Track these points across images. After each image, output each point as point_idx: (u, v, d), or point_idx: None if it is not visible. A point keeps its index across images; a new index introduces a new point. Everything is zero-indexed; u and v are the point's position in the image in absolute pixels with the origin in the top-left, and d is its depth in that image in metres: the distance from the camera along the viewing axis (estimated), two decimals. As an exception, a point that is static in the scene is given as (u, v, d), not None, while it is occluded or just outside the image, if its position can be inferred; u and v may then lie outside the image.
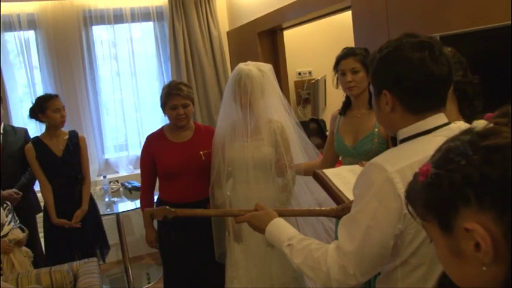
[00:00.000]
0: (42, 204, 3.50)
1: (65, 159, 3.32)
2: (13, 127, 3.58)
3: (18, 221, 2.92)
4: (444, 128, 1.23)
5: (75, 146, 3.39)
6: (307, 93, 5.05)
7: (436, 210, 0.68)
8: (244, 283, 2.67)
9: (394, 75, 1.22)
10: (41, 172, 3.29)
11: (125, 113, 4.79)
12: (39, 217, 3.58)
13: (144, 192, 2.97)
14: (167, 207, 1.82)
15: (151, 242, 2.94)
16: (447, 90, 1.26)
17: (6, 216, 2.81)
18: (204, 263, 2.84)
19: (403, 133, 1.26)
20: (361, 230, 1.22)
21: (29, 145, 3.31)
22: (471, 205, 0.62)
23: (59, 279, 2.59)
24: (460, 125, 1.26)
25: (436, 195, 0.67)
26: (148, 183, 2.94)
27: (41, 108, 3.24)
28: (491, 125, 0.65)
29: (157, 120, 4.45)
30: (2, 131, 3.43)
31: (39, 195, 3.56)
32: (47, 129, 3.35)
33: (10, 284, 2.45)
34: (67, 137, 3.39)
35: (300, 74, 5.12)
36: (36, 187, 3.51)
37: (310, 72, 5.14)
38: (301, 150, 2.74)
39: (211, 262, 2.84)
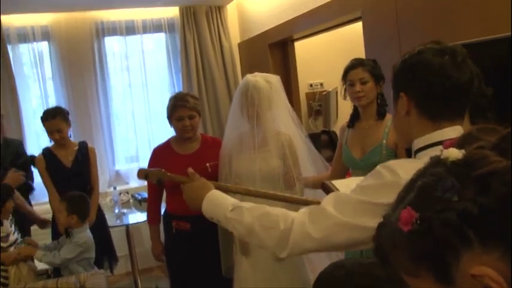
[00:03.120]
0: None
1: (74, 170, 3.34)
2: (6, 139, 3.56)
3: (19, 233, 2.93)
4: None
5: (85, 157, 3.41)
6: (318, 105, 5.02)
7: (430, 260, 0.57)
8: (251, 298, 2.63)
9: (412, 77, 1.20)
10: (50, 183, 3.32)
11: (136, 125, 4.81)
12: (34, 229, 3.58)
13: (151, 204, 2.95)
14: (162, 169, 1.81)
15: (158, 255, 2.92)
16: (466, 100, 1.21)
17: (10, 226, 2.82)
18: (211, 277, 2.79)
19: (418, 143, 1.21)
20: (350, 207, 1.20)
21: (40, 156, 3.35)
22: (473, 246, 0.53)
23: (64, 291, 2.57)
24: None
25: (427, 243, 0.56)
26: (156, 195, 2.93)
27: (43, 126, 3.31)
28: (467, 151, 0.58)
29: (168, 131, 4.41)
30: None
31: (36, 207, 3.58)
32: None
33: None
34: (77, 148, 3.42)
35: (311, 85, 5.10)
36: (33, 199, 3.53)
37: (321, 84, 5.12)
38: (309, 163, 2.69)
39: (218, 276, 2.79)
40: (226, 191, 1.64)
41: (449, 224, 0.54)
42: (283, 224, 1.27)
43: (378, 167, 1.21)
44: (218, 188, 1.57)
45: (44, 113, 3.30)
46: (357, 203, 1.20)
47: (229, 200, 1.45)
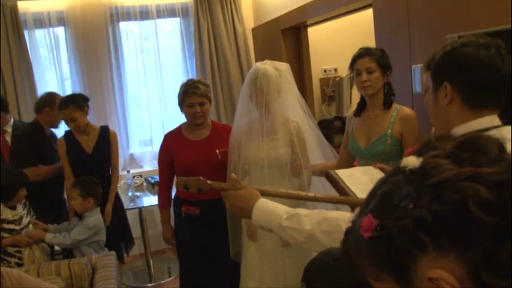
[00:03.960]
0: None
1: (94, 157, 3.33)
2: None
3: (33, 215, 3.01)
4: (499, 129, 1.22)
5: (105, 143, 3.38)
6: (332, 91, 4.99)
7: (390, 265, 0.60)
8: (258, 282, 2.68)
9: (459, 67, 1.24)
10: (68, 167, 3.31)
11: (150, 109, 4.87)
12: None
13: (162, 188, 3.01)
14: (201, 178, 1.67)
15: (168, 239, 2.99)
16: (506, 91, 1.26)
17: (23, 209, 2.91)
18: (219, 261, 2.86)
19: (457, 131, 1.24)
20: None
21: (61, 139, 3.34)
22: (429, 251, 0.56)
23: (77, 271, 2.66)
24: (501, 131, 1.23)
25: (387, 249, 0.59)
26: (167, 180, 2.98)
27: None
28: (418, 160, 0.61)
29: (182, 116, 4.48)
30: (10, 129, 3.50)
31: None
32: None
33: (31, 275, 2.53)
34: (98, 133, 3.38)
35: (325, 71, 5.06)
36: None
37: (335, 69, 5.08)
38: (318, 150, 2.71)
39: (227, 260, 2.85)
40: (268, 195, 1.58)
41: (406, 231, 0.57)
42: (345, 225, 1.28)
43: None
44: (262, 193, 1.53)
45: (58, 103, 3.29)
46: None
47: (281, 209, 1.42)
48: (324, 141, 2.75)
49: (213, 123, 2.98)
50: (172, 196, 3.05)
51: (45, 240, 2.85)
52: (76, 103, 3.21)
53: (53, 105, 3.44)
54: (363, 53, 2.32)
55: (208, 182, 1.65)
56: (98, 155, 3.34)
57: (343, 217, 1.30)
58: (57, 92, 4.47)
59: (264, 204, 1.46)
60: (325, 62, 5.00)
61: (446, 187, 0.56)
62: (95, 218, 2.96)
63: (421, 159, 0.61)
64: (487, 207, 0.53)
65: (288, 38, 4.46)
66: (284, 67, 2.63)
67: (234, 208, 1.53)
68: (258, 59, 4.95)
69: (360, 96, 2.46)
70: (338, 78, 4.84)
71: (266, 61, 2.62)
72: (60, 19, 4.48)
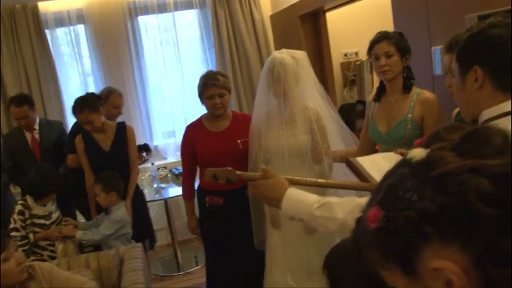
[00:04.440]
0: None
1: (112, 155, 3.32)
2: (48, 120, 3.74)
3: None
4: None
5: (123, 139, 3.37)
6: (353, 75, 4.94)
7: (396, 256, 0.61)
8: (283, 270, 2.70)
9: (489, 50, 1.20)
10: (88, 165, 3.31)
11: (171, 100, 4.93)
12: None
13: (185, 179, 3.05)
14: (229, 168, 1.67)
15: (193, 229, 3.04)
16: None
17: (52, 205, 3.01)
18: (244, 249, 2.89)
19: (487, 113, 1.22)
20: None
21: (79, 138, 3.33)
22: (433, 241, 0.57)
23: (105, 263, 2.73)
24: None
25: (392, 240, 0.60)
26: (190, 171, 3.02)
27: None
28: (424, 152, 0.61)
29: (203, 107, 4.52)
30: (38, 127, 3.60)
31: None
32: None
33: (62, 267, 2.61)
34: (115, 130, 3.38)
35: (346, 55, 5.00)
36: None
37: (356, 53, 5.01)
38: (338, 137, 2.70)
39: (251, 249, 2.88)
40: (297, 184, 1.57)
41: (410, 222, 0.58)
42: None
43: None
44: (291, 182, 1.52)
45: (72, 107, 3.28)
46: None
47: (312, 197, 1.40)
48: (344, 128, 2.74)
49: (233, 113, 3.00)
50: (196, 187, 3.09)
51: (76, 237, 2.93)
52: (90, 106, 3.20)
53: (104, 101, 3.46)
54: (381, 37, 2.29)
55: (237, 172, 1.66)
56: (115, 152, 3.33)
57: None
58: (80, 88, 4.58)
59: (294, 194, 1.44)
60: (346, 46, 4.93)
61: (450, 179, 0.56)
62: (121, 212, 3.03)
63: (427, 151, 0.61)
64: (489, 200, 0.54)
65: (306, 24, 4.42)
66: (301, 55, 2.62)
67: (263, 198, 1.52)
68: (277, 46, 4.93)
69: (379, 81, 2.43)
70: (359, 62, 4.79)
71: (283, 50, 2.61)
72: (80, 17, 4.56)
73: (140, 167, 3.85)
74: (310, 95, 2.67)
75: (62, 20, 4.51)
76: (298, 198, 1.43)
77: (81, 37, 4.64)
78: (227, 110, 2.92)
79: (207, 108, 2.87)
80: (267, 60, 2.62)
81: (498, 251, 0.54)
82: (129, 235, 3.09)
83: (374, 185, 1.68)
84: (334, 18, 4.54)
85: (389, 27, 2.90)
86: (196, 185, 3.10)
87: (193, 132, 2.95)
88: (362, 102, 4.76)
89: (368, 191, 1.83)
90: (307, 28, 4.43)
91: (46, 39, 4.41)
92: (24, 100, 3.56)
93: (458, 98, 1.33)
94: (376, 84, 4.73)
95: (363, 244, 0.66)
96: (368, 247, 0.64)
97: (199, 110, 3.05)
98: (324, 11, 4.33)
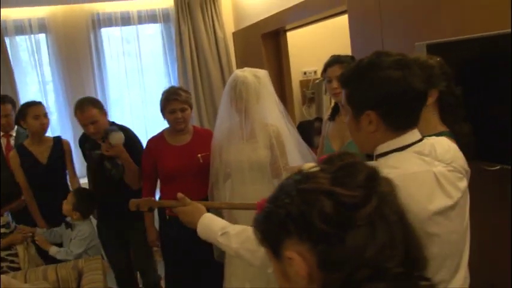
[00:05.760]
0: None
1: (49, 167, 3.28)
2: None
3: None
4: (418, 144, 1.25)
5: (60, 152, 3.34)
6: (311, 93, 5.10)
7: (268, 239, 0.80)
8: (242, 280, 2.76)
9: (379, 94, 1.20)
10: (25, 181, 3.23)
11: (132, 112, 4.93)
12: None
13: (145, 194, 3.05)
14: (152, 198, 1.89)
15: (153, 241, 3.06)
16: (423, 106, 1.28)
17: (7, 215, 3.01)
18: (203, 261, 2.94)
19: (381, 148, 1.27)
20: None
21: (13, 152, 3.25)
22: (292, 237, 0.74)
23: (64, 275, 2.72)
24: (432, 141, 1.29)
25: (268, 226, 0.79)
26: (150, 185, 3.04)
27: (22, 115, 3.22)
28: (316, 168, 0.78)
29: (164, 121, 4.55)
30: (15, 134, 3.54)
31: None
32: (31, 136, 3.32)
33: (19, 280, 2.58)
34: (52, 143, 3.34)
35: (305, 73, 5.16)
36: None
37: (315, 72, 5.17)
38: (296, 153, 2.82)
39: (211, 261, 2.93)
40: (212, 208, 1.83)
41: (279, 217, 0.76)
42: None
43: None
44: (207, 207, 1.73)
45: (27, 102, 3.32)
46: None
47: (219, 224, 1.58)
48: (302, 144, 2.86)
49: (194, 128, 3.06)
50: (157, 199, 3.12)
51: (50, 252, 2.95)
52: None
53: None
54: (332, 61, 2.42)
55: (158, 201, 1.86)
56: (53, 165, 3.29)
57: None
58: (39, 94, 4.50)
59: (205, 220, 1.63)
60: (305, 64, 5.10)
61: (310, 194, 0.74)
62: (87, 227, 3.04)
63: (315, 167, 0.79)
64: (326, 218, 0.71)
65: (268, 42, 4.56)
66: (263, 74, 2.73)
67: (185, 222, 1.72)
68: (239, 63, 5.05)
69: (334, 101, 2.56)
70: (317, 81, 4.95)
71: (245, 68, 2.71)
72: (42, 26, 4.51)
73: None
74: (270, 112, 2.78)
75: (23, 28, 4.45)
76: (208, 223, 1.62)
77: (42, 45, 4.59)
78: (188, 125, 2.98)
79: (169, 122, 2.92)
80: (230, 77, 2.72)
81: (330, 259, 0.71)
82: (98, 245, 3.14)
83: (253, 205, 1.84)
84: (295, 37, 4.70)
85: (348, 47, 3.05)
86: (157, 198, 3.13)
87: (155, 146, 2.98)
88: (320, 119, 4.92)
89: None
90: (269, 46, 4.57)
91: (4, 45, 4.32)
92: (7, 99, 3.52)
93: (354, 138, 1.35)
94: (332, 103, 4.93)
95: (257, 225, 0.83)
96: (259, 229, 0.83)
97: (160, 123, 3.09)
98: (285, 31, 4.49)
